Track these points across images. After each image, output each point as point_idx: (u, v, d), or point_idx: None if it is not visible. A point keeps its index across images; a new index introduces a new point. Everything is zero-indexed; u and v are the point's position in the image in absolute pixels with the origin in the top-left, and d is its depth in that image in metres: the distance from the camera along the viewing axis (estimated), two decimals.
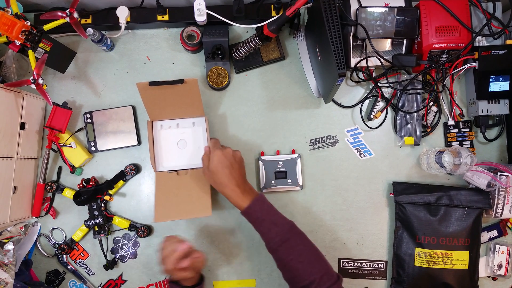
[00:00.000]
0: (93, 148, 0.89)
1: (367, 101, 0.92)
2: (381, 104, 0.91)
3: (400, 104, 0.89)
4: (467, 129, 0.90)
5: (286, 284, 0.89)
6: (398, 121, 0.90)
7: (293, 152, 0.90)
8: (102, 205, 0.86)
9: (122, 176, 0.87)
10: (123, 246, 0.89)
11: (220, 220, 0.89)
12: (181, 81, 0.76)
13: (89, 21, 0.88)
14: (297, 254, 0.70)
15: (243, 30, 0.92)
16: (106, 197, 0.85)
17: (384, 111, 0.91)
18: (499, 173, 0.82)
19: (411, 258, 0.86)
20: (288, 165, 0.88)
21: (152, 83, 0.76)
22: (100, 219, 0.85)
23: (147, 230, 0.87)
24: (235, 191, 0.73)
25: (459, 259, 0.84)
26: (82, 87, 0.91)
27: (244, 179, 0.77)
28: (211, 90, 0.91)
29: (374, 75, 0.90)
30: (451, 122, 0.90)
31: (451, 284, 0.84)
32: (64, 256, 0.88)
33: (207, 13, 0.83)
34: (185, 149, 0.86)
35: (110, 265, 0.87)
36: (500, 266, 0.87)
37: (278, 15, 0.78)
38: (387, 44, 0.86)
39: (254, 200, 0.73)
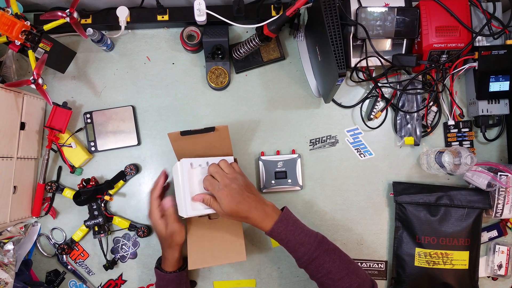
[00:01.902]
0: (93, 148, 0.89)
1: (367, 101, 0.92)
2: (381, 104, 0.91)
3: (400, 104, 0.89)
4: (467, 129, 0.90)
5: (286, 284, 0.89)
6: (398, 121, 0.90)
7: (293, 152, 0.90)
8: (102, 205, 0.86)
9: (122, 176, 0.87)
10: (123, 246, 0.89)
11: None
12: (212, 129, 0.76)
13: (89, 21, 0.88)
14: (325, 271, 0.69)
15: (243, 30, 0.92)
16: (106, 197, 0.85)
17: (384, 111, 0.91)
18: (499, 173, 0.82)
19: (411, 258, 0.86)
20: (288, 165, 0.88)
21: (183, 133, 0.76)
22: (100, 219, 0.85)
23: (147, 230, 0.87)
24: (256, 218, 0.70)
25: (459, 259, 0.84)
26: (82, 87, 0.91)
27: (257, 196, 0.72)
28: (211, 90, 0.91)
29: (374, 75, 0.90)
30: (451, 122, 0.90)
31: (451, 284, 0.84)
32: (64, 256, 0.88)
33: (207, 13, 0.83)
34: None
35: (110, 265, 0.87)
36: (500, 266, 0.87)
37: (278, 15, 0.78)
38: (387, 44, 0.86)
39: (277, 221, 0.70)
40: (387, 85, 0.89)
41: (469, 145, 0.90)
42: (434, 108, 0.90)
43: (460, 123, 0.90)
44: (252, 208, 0.69)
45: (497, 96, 0.86)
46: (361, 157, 0.91)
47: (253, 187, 0.75)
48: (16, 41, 0.73)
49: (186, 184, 0.73)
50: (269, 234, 0.70)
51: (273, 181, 0.88)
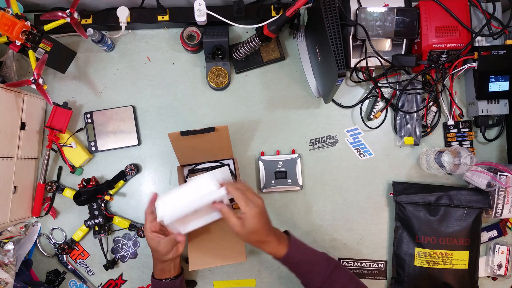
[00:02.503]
0: (93, 148, 0.89)
1: (367, 101, 0.92)
2: (381, 104, 0.91)
3: (400, 104, 0.90)
4: (466, 129, 0.90)
5: (286, 284, 0.89)
6: (398, 121, 0.90)
7: (293, 152, 0.90)
8: (102, 205, 0.86)
9: (122, 176, 0.87)
10: (123, 246, 0.89)
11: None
12: (212, 129, 0.76)
13: (89, 21, 0.88)
14: (340, 287, 0.70)
15: (243, 30, 0.93)
16: (106, 197, 0.85)
17: (384, 111, 0.91)
18: (498, 173, 0.82)
19: (411, 258, 0.86)
20: (288, 165, 0.88)
21: (183, 133, 0.76)
22: (100, 219, 0.85)
23: None
24: (273, 242, 0.69)
25: (459, 259, 0.84)
26: (82, 87, 0.91)
27: (271, 223, 0.71)
28: (211, 90, 0.92)
29: (374, 75, 0.90)
30: (450, 122, 0.90)
31: (451, 284, 0.84)
32: (64, 256, 0.88)
33: (207, 14, 0.83)
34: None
35: (110, 265, 0.87)
36: (500, 266, 0.87)
37: (278, 16, 0.78)
38: (387, 44, 0.86)
39: (291, 245, 0.69)
40: (387, 85, 0.89)
41: (468, 145, 0.91)
42: (434, 108, 0.91)
43: (460, 123, 0.90)
44: (271, 233, 0.69)
45: (496, 96, 0.86)
46: (361, 157, 0.91)
47: None
48: (16, 41, 0.73)
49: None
50: (285, 258, 0.69)
51: (273, 181, 0.88)
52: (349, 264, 0.90)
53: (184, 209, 0.68)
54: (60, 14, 0.76)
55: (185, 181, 0.86)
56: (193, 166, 0.87)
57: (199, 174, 0.87)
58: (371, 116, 0.90)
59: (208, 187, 0.70)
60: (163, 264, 0.74)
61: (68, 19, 0.76)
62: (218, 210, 0.69)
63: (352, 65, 0.86)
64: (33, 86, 0.74)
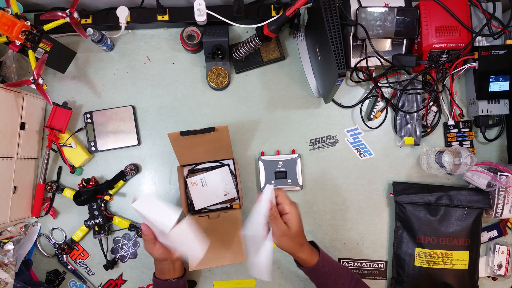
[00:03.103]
0: (93, 148, 0.89)
1: (367, 101, 0.92)
2: (381, 104, 0.91)
3: (400, 104, 0.89)
4: (467, 129, 0.90)
5: (286, 284, 0.89)
6: (398, 121, 0.90)
7: (293, 152, 0.90)
8: (102, 205, 0.86)
9: (122, 176, 0.87)
10: (123, 246, 0.89)
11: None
12: (212, 129, 0.76)
13: (89, 21, 0.88)
14: None
15: (243, 30, 0.92)
16: (106, 197, 0.85)
17: (384, 111, 0.91)
18: (499, 173, 0.82)
19: (411, 258, 0.86)
20: (288, 165, 0.88)
21: (183, 133, 0.76)
22: (100, 219, 0.85)
23: None
24: (308, 248, 0.70)
25: (459, 259, 0.84)
26: (82, 87, 0.91)
27: None
28: (211, 90, 0.91)
29: (374, 75, 0.90)
30: (451, 122, 0.90)
31: (451, 284, 0.84)
32: (64, 256, 0.88)
33: (207, 13, 0.83)
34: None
35: (110, 265, 0.87)
36: (500, 266, 0.87)
37: (278, 15, 0.78)
38: (387, 44, 0.86)
39: (321, 254, 0.71)
40: (387, 85, 0.89)
41: (469, 145, 0.90)
42: (434, 108, 0.90)
43: (460, 123, 0.90)
44: (305, 241, 0.71)
45: (497, 96, 0.86)
46: (361, 157, 0.91)
47: None
48: (16, 41, 0.73)
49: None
50: (315, 266, 0.70)
51: (273, 181, 0.88)
52: (349, 264, 0.89)
53: None
54: (59, 14, 0.76)
55: (185, 182, 0.86)
56: (193, 166, 0.87)
57: (199, 174, 0.87)
58: (371, 116, 0.90)
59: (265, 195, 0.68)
60: (161, 264, 0.74)
61: (67, 19, 0.76)
62: (269, 216, 0.67)
63: (352, 65, 0.86)
64: (33, 86, 0.74)
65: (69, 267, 0.88)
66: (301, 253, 0.70)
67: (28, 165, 0.85)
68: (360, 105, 0.92)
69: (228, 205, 0.87)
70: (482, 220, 0.86)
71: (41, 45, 0.76)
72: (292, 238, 0.68)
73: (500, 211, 0.83)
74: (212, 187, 0.85)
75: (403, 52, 0.86)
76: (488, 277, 0.90)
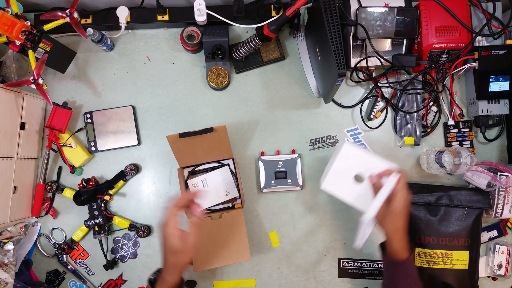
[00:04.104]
0: (93, 148, 0.89)
1: (367, 101, 0.92)
2: (381, 104, 0.91)
3: (400, 104, 0.89)
4: (467, 129, 0.90)
5: (286, 284, 0.89)
6: (398, 121, 0.90)
7: (293, 152, 0.90)
8: (102, 205, 0.86)
9: (122, 176, 0.87)
10: (123, 246, 0.89)
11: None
12: (210, 130, 0.76)
13: (89, 21, 0.88)
14: None
15: (243, 30, 0.92)
16: (106, 197, 0.85)
17: (384, 111, 0.91)
18: (499, 173, 0.82)
19: None
20: (288, 165, 0.88)
21: (182, 135, 0.76)
22: (100, 219, 0.85)
23: (147, 230, 0.87)
24: (405, 237, 0.68)
25: (459, 259, 0.84)
26: (82, 87, 0.91)
27: None
28: (211, 90, 0.91)
29: (374, 75, 0.90)
30: (451, 122, 0.90)
31: (451, 284, 0.84)
32: (64, 256, 0.88)
33: (207, 13, 0.83)
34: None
35: (110, 265, 0.87)
36: (500, 266, 0.87)
37: (278, 15, 0.78)
38: (387, 44, 0.86)
39: (412, 253, 0.69)
40: (387, 85, 0.89)
41: (469, 145, 0.90)
42: (434, 108, 0.90)
43: (460, 123, 0.90)
44: (405, 226, 0.69)
45: (497, 96, 0.86)
46: None
47: None
48: (16, 41, 0.73)
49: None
50: (405, 261, 0.68)
51: (273, 181, 0.88)
52: (349, 264, 0.90)
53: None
54: (59, 14, 0.76)
55: (186, 183, 0.86)
56: (193, 167, 0.87)
57: (198, 176, 0.87)
58: (371, 116, 0.90)
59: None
60: (176, 273, 0.63)
61: (67, 19, 0.76)
62: (398, 177, 0.68)
63: (352, 65, 0.86)
64: (33, 86, 0.74)
65: (69, 267, 0.88)
66: (400, 240, 0.68)
67: (28, 165, 0.85)
68: (360, 105, 0.92)
69: (230, 205, 0.87)
70: (482, 220, 0.86)
71: (41, 45, 0.76)
72: (397, 212, 0.66)
73: (500, 211, 0.83)
74: (213, 187, 0.85)
75: (403, 52, 0.86)
76: (488, 277, 0.90)
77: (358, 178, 0.76)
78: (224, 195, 0.85)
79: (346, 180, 0.76)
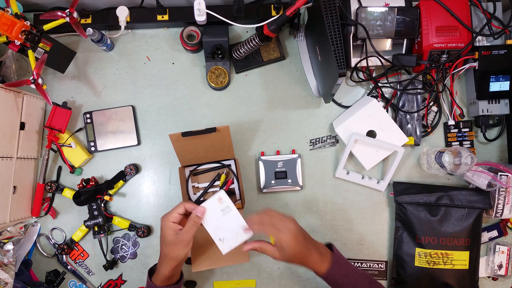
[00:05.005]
0: (93, 148, 0.88)
1: None
2: (381, 104, 0.91)
3: (400, 104, 0.89)
4: (467, 129, 0.90)
5: (286, 284, 0.89)
6: (398, 121, 0.90)
7: (293, 152, 0.90)
8: (102, 205, 0.86)
9: (122, 176, 0.87)
10: (123, 246, 0.89)
11: None
12: (213, 130, 0.76)
13: (89, 21, 0.88)
14: None
15: (243, 30, 0.92)
16: (106, 197, 0.85)
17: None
18: (499, 173, 0.82)
19: (411, 258, 0.85)
20: (288, 165, 0.88)
21: (184, 134, 0.76)
22: (100, 219, 0.85)
23: (147, 230, 0.86)
24: (316, 258, 0.68)
25: (459, 259, 0.84)
26: (82, 87, 0.91)
27: (309, 236, 0.71)
28: (211, 90, 0.91)
29: (374, 75, 0.90)
30: (451, 122, 0.90)
31: (451, 284, 0.84)
32: (64, 256, 0.87)
33: (207, 13, 0.83)
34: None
35: (110, 265, 0.87)
36: (500, 266, 0.87)
37: (278, 15, 0.77)
38: (387, 44, 0.86)
39: (332, 263, 0.69)
40: (387, 85, 0.89)
41: (469, 145, 0.90)
42: (434, 108, 0.90)
43: (460, 123, 0.90)
44: (312, 249, 0.69)
45: (497, 96, 0.86)
46: None
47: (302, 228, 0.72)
48: (16, 41, 0.73)
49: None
50: (326, 275, 0.69)
51: (273, 181, 0.88)
52: None
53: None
54: (59, 13, 0.76)
55: (187, 183, 0.86)
56: (195, 167, 0.86)
57: (199, 176, 0.86)
58: None
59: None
60: (168, 265, 0.68)
61: (67, 19, 0.76)
62: (254, 249, 0.69)
63: (353, 64, 0.86)
64: (33, 86, 0.74)
65: (68, 267, 0.88)
66: (307, 265, 0.69)
67: (28, 165, 0.85)
68: None
69: None
70: (483, 220, 0.86)
71: (40, 45, 0.76)
72: (289, 260, 0.67)
73: (501, 211, 0.83)
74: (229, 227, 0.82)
75: (403, 52, 0.86)
76: (489, 277, 0.89)
77: (370, 133, 0.84)
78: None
79: (360, 132, 0.86)
